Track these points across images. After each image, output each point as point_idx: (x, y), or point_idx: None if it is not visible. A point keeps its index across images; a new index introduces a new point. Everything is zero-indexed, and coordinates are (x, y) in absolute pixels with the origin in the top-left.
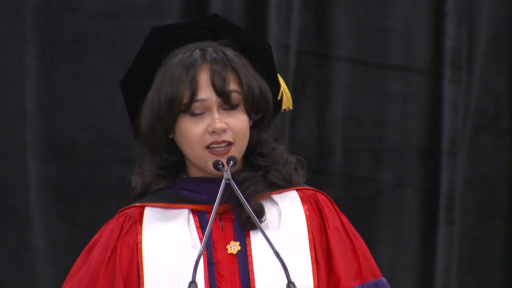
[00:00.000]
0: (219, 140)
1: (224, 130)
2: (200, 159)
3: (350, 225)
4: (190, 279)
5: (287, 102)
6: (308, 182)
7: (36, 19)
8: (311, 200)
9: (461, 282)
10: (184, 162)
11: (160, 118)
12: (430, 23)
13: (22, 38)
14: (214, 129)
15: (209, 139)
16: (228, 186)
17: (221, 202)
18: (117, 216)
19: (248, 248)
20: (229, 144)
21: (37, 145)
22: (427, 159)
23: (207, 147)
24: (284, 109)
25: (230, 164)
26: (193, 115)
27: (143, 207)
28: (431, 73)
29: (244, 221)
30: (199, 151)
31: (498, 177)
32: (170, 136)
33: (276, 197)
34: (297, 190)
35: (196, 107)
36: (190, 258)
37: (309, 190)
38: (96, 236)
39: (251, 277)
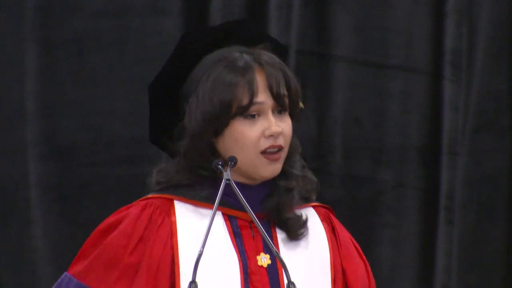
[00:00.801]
0: (276, 144)
1: (280, 134)
2: (251, 163)
3: (356, 243)
4: (231, 283)
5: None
6: None
7: (36, 19)
8: (327, 219)
9: (461, 282)
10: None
11: (212, 121)
12: (430, 23)
13: (22, 38)
14: (272, 132)
15: (265, 143)
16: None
17: (265, 209)
18: (142, 204)
19: (278, 262)
20: (281, 149)
21: (37, 145)
22: (427, 159)
23: (262, 152)
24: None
25: (231, 164)
26: (247, 117)
27: (171, 200)
28: (431, 73)
29: (294, 233)
30: (253, 155)
31: (498, 177)
32: (214, 139)
33: (299, 212)
34: (313, 206)
35: (252, 109)
36: (226, 265)
37: (321, 208)
38: (113, 218)
39: None
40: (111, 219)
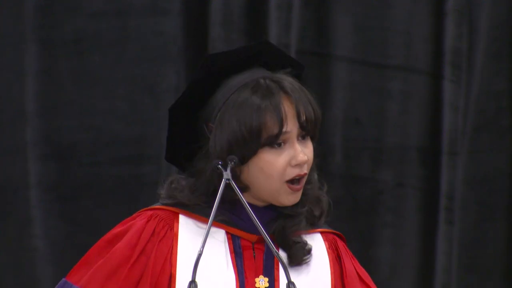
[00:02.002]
0: (302, 173)
1: (306, 163)
2: (274, 192)
3: (362, 268)
4: None
5: None
6: None
7: (36, 19)
8: (333, 246)
9: (461, 282)
10: None
11: (240, 147)
12: (430, 23)
13: (22, 38)
14: (299, 161)
15: (292, 173)
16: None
17: (254, 231)
18: (147, 215)
19: (276, 285)
20: (305, 176)
21: (37, 145)
22: (427, 159)
23: (287, 181)
24: None
25: (231, 164)
26: (274, 147)
27: (176, 213)
28: (431, 73)
29: (297, 258)
30: (278, 184)
31: (498, 177)
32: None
33: (305, 237)
34: (320, 233)
35: (280, 138)
36: (222, 283)
37: (330, 234)
38: (119, 229)
39: None
40: (117, 229)
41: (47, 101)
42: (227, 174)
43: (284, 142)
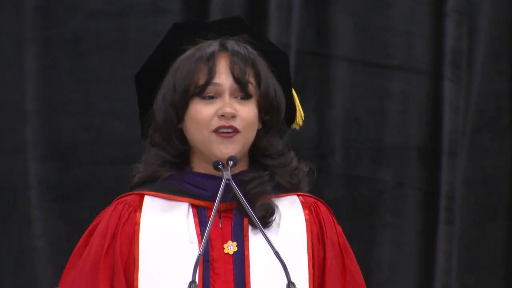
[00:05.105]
0: (227, 124)
1: (233, 116)
2: (205, 142)
3: (344, 238)
4: (184, 274)
5: (299, 119)
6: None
7: (36, 19)
8: (312, 208)
9: (461, 282)
10: (189, 156)
11: (174, 104)
12: (430, 23)
13: (22, 38)
14: (224, 112)
15: (217, 123)
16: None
17: (223, 200)
18: (116, 202)
19: (245, 249)
20: (236, 131)
21: (37, 145)
22: (427, 159)
23: (213, 131)
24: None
25: (230, 164)
26: (205, 98)
27: (142, 195)
28: (431, 73)
29: (261, 217)
30: (205, 134)
31: (498, 177)
32: (180, 126)
33: (277, 200)
34: (298, 195)
35: (210, 90)
36: (186, 253)
37: (311, 198)
38: (94, 222)
39: (247, 279)
40: (94, 222)
41: (47, 101)
42: (227, 174)
43: (217, 95)
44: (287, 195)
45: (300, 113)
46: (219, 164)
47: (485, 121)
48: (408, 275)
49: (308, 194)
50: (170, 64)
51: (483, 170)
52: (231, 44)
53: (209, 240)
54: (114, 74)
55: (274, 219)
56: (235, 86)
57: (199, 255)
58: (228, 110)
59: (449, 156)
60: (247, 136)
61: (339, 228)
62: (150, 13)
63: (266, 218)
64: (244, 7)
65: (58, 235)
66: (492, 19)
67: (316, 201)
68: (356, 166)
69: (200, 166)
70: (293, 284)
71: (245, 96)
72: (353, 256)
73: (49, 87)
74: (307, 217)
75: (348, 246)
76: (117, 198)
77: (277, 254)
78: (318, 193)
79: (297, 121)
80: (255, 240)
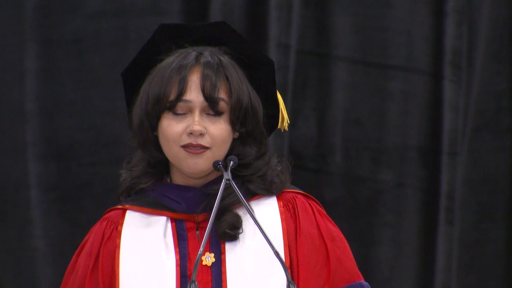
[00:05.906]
0: (195, 143)
1: (201, 134)
2: (175, 157)
3: (329, 228)
4: (161, 285)
5: (284, 122)
6: (308, 182)
7: (36, 19)
8: (289, 205)
9: (461, 282)
10: (168, 165)
11: (147, 113)
12: (430, 23)
13: (22, 38)
14: (192, 131)
15: (185, 140)
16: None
17: (200, 211)
18: (102, 219)
19: (222, 260)
20: (204, 148)
21: (37, 145)
22: (427, 159)
23: (183, 147)
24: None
25: (231, 164)
26: (176, 114)
27: (125, 210)
28: (431, 73)
29: (222, 233)
30: (175, 149)
31: (498, 177)
32: (155, 133)
33: (253, 203)
34: (277, 194)
35: (180, 107)
36: (161, 270)
37: (289, 193)
38: (85, 238)
39: None
40: (85, 238)
41: (47, 101)
42: (227, 174)
43: (187, 111)
44: (264, 197)
45: (285, 117)
46: (219, 164)
47: (485, 121)
48: (408, 275)
49: (291, 189)
50: (155, 64)
51: (483, 170)
52: (206, 56)
53: (187, 253)
54: (114, 74)
55: (241, 232)
56: (205, 103)
57: (199, 255)
58: (196, 128)
59: (449, 156)
60: (218, 152)
61: (322, 219)
62: (150, 13)
63: (231, 231)
64: (244, 7)
65: (58, 235)
66: (492, 19)
67: (295, 195)
68: (356, 166)
69: (177, 177)
70: (293, 284)
71: (216, 113)
72: (344, 244)
73: (49, 87)
74: (283, 216)
75: (337, 234)
76: (105, 211)
77: (277, 254)
78: (318, 193)
79: (283, 125)
80: (232, 250)
